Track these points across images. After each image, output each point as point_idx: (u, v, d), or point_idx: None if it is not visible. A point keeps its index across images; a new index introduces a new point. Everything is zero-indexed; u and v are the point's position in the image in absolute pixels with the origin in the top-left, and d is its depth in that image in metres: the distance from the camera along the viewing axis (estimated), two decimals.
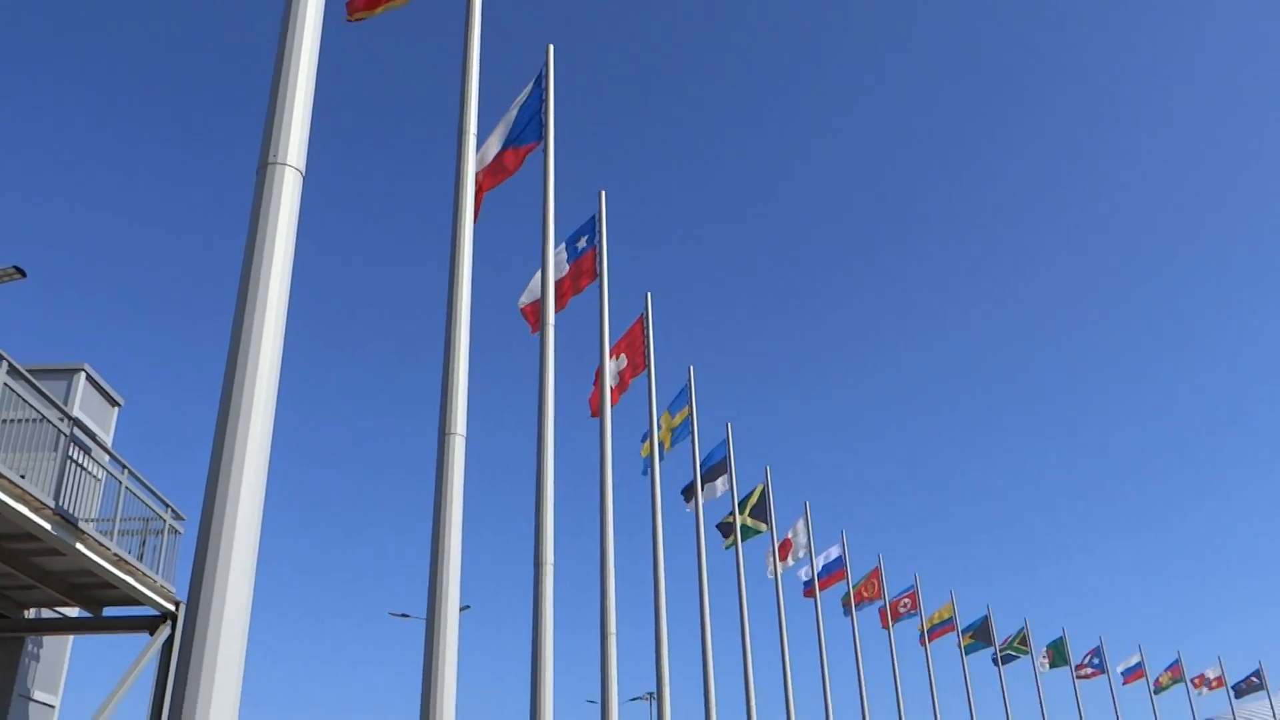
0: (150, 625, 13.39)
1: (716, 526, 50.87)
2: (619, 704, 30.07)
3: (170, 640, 12.84)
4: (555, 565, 25.58)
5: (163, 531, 13.97)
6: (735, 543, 49.96)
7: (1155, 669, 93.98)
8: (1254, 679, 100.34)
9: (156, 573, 13.40)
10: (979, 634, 77.91)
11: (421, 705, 18.14)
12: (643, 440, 41.92)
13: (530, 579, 25.37)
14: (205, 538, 10.93)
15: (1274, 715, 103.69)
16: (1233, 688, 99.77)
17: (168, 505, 14.18)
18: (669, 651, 36.55)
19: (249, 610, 11.02)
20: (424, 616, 19.06)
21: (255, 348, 11.71)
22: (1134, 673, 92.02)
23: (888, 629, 69.22)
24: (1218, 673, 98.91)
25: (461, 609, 20.16)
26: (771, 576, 53.13)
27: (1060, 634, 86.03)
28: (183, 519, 14.36)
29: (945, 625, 75.71)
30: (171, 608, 13.24)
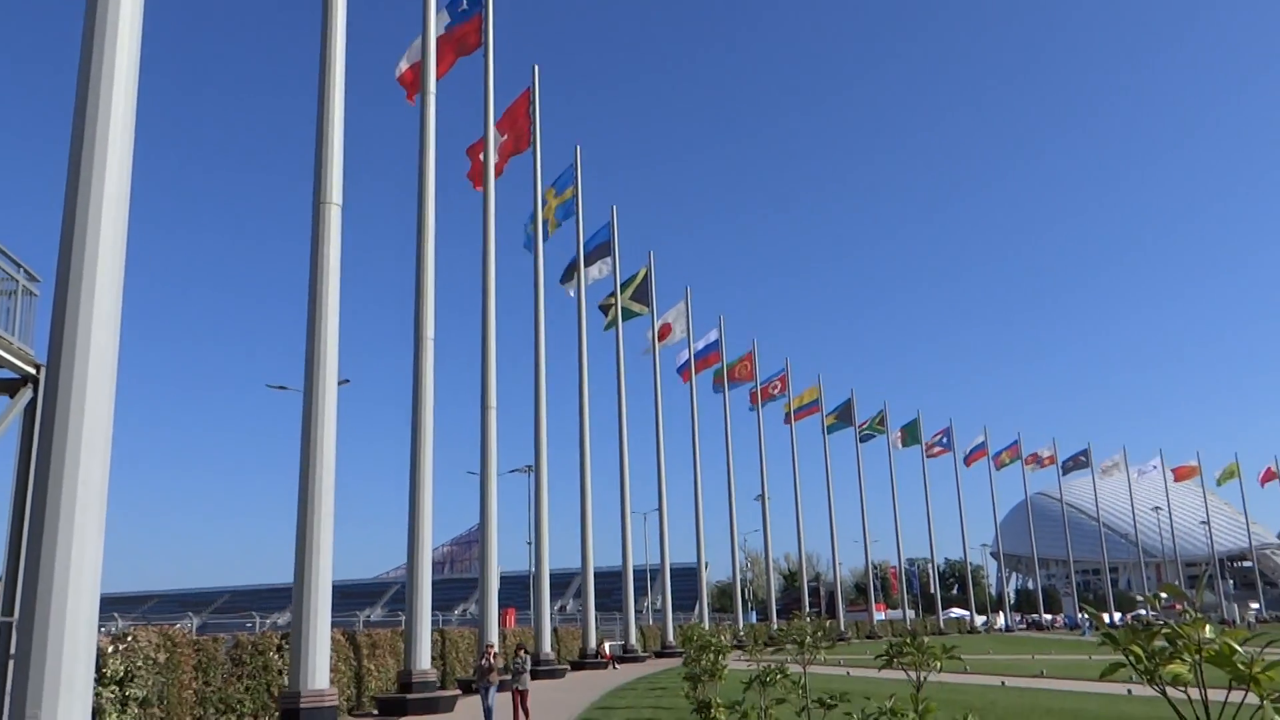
0: (10, 388, 12.94)
1: (599, 307, 51.51)
2: (498, 476, 31.10)
3: (33, 403, 12.47)
4: (436, 340, 25.62)
5: (15, 293, 13.27)
6: (615, 323, 50.85)
7: (996, 448, 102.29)
8: (1080, 458, 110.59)
9: (12, 335, 12.83)
10: (842, 415, 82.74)
11: (300, 477, 18.39)
12: (529, 220, 41.40)
13: (411, 353, 25.45)
14: (64, 297, 10.45)
15: (1094, 489, 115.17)
16: (1061, 465, 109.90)
17: (20, 266, 13.40)
18: (548, 426, 37.72)
19: (114, 370, 10.73)
20: (301, 389, 18.96)
21: (108, 93, 10.80)
22: (977, 451, 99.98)
23: (757, 408, 72.78)
24: (1050, 452, 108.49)
25: (341, 383, 20.17)
26: (649, 355, 54.57)
27: (915, 416, 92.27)
28: (38, 280, 13.63)
29: (811, 406, 79.90)
30: (32, 370, 12.77)
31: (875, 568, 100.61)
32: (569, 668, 36.64)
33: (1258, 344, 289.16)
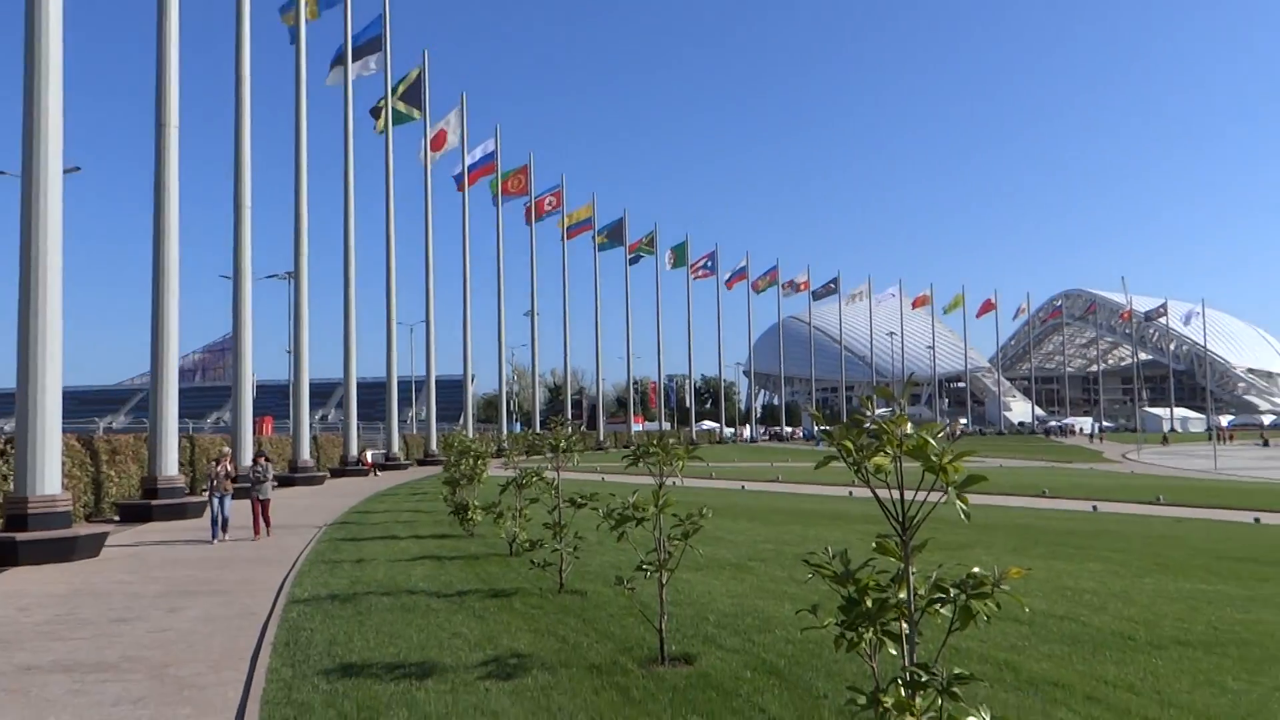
0: None
1: (370, 112, 48.38)
2: (255, 280, 29.44)
3: None
4: (181, 127, 23.35)
5: None
6: (386, 127, 48.16)
7: (756, 273, 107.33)
8: (830, 285, 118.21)
9: None
10: (613, 234, 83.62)
11: (21, 273, 16.59)
12: (288, 5, 37.76)
13: (153, 142, 23.08)
14: None
15: (839, 314, 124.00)
16: (813, 292, 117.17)
17: None
18: (310, 231, 35.85)
19: None
20: (19, 174, 16.85)
21: None
22: (738, 275, 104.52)
23: (531, 223, 72.20)
24: (805, 279, 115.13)
25: (68, 170, 18.04)
26: (421, 162, 52.44)
27: (684, 239, 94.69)
28: None
29: (584, 224, 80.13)
30: None
31: (636, 383, 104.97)
32: (328, 475, 36.45)
33: (987, 184, 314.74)
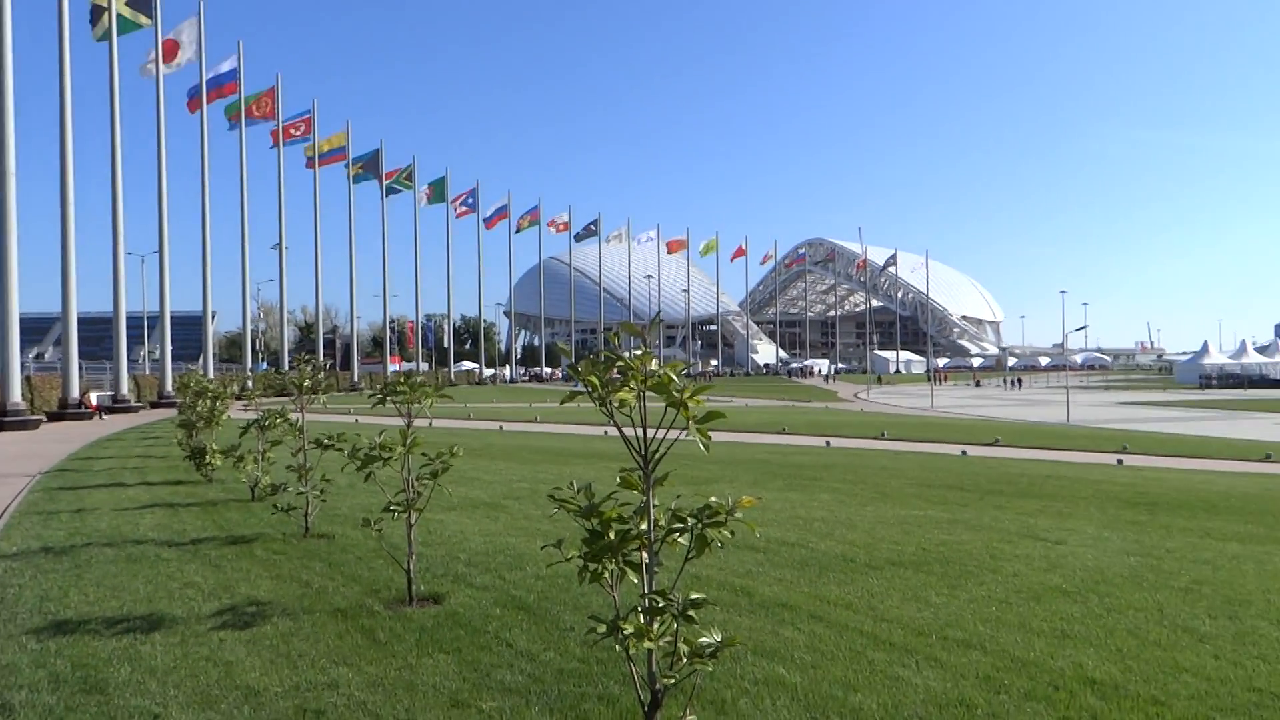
0: None
1: (91, 17, 43.25)
2: None
3: None
4: None
5: None
6: (108, 34, 43.34)
7: (518, 212, 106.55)
8: (591, 227, 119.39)
9: None
10: (369, 165, 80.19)
11: None
12: None
13: None
14: None
15: (599, 254, 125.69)
16: (574, 233, 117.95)
17: None
18: (17, 148, 31.89)
19: None
20: None
21: None
22: (500, 214, 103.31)
23: (279, 149, 67.92)
24: (566, 219, 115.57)
25: None
26: (151, 76, 47.89)
27: (443, 173, 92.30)
28: None
29: (337, 153, 76.35)
30: None
31: (393, 322, 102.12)
32: (45, 419, 33.13)
33: (741, 131, 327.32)
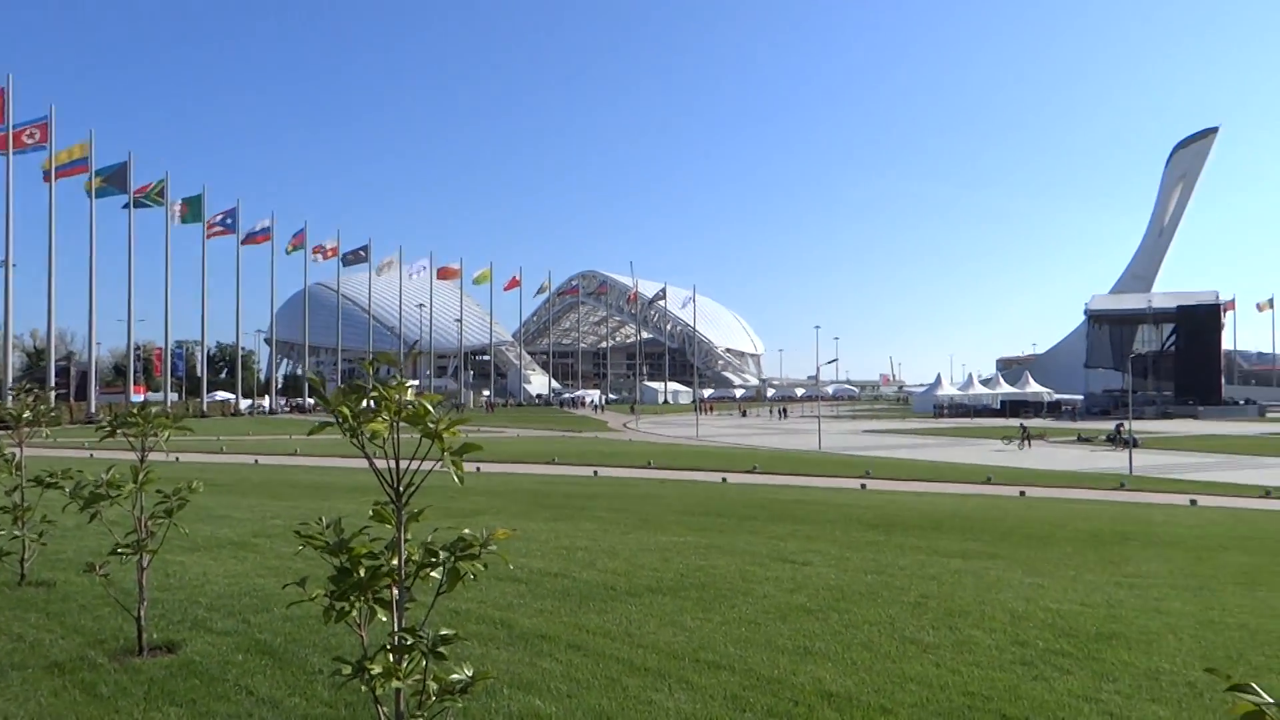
0: None
1: None
2: None
3: None
4: None
5: None
6: None
7: (283, 234, 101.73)
8: (361, 252, 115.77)
9: None
10: (113, 179, 74.22)
11: None
12: None
13: None
14: None
15: (369, 281, 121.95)
16: (342, 258, 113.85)
17: None
18: None
19: None
20: None
21: None
22: (261, 235, 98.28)
23: (7, 157, 61.68)
24: (335, 244, 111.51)
25: None
26: None
27: (200, 190, 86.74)
28: None
29: (78, 165, 70.35)
30: None
31: (139, 349, 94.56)
32: None
33: (519, 164, 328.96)
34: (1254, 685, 1.53)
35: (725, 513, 15.55)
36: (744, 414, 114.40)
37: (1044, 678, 5.82)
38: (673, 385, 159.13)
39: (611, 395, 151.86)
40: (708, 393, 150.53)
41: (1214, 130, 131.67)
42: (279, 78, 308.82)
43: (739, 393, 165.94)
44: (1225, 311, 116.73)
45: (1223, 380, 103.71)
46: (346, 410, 3.93)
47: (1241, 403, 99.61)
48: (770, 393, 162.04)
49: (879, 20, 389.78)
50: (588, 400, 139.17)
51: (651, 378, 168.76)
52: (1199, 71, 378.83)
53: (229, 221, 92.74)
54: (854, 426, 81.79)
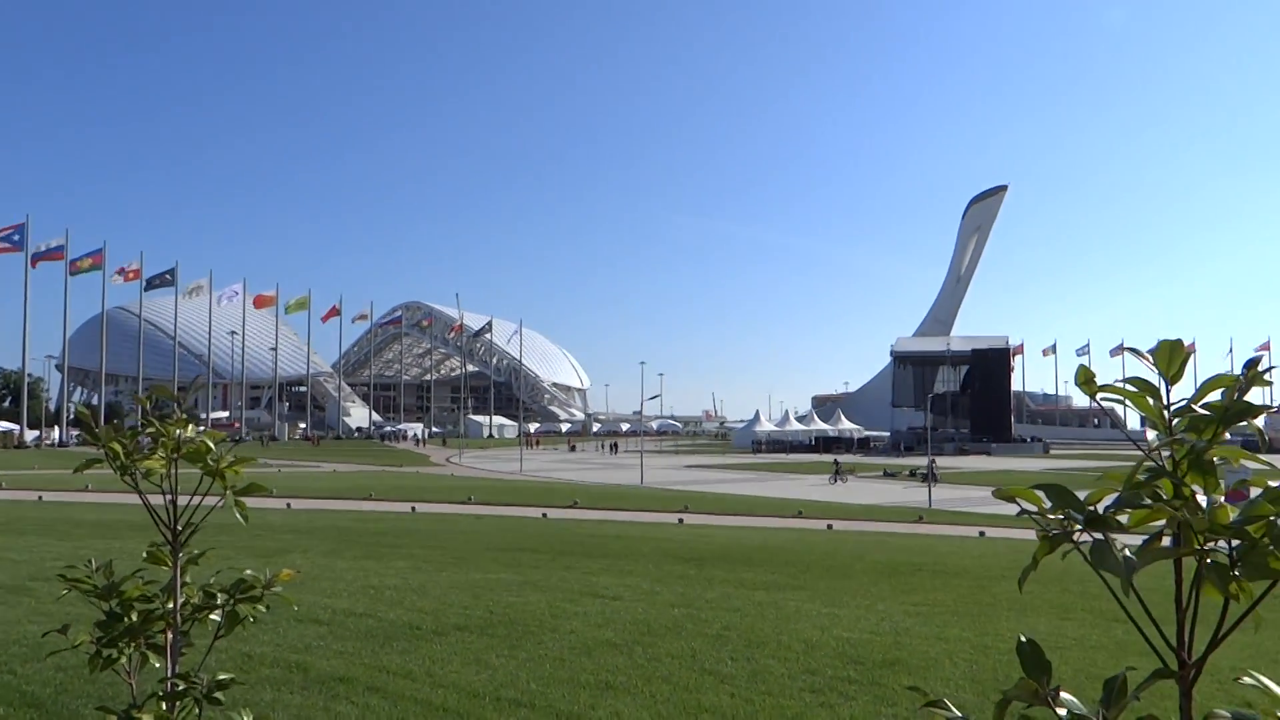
0: None
1: None
2: None
3: None
4: None
5: None
6: None
7: (77, 253, 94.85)
8: (167, 276, 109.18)
9: None
10: None
11: None
12: None
13: None
14: None
15: (175, 306, 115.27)
16: (146, 280, 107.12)
17: None
18: None
19: None
20: None
21: None
22: (53, 254, 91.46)
23: None
24: (137, 266, 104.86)
25: None
26: None
27: None
28: None
29: None
30: None
31: None
32: None
33: (340, 188, 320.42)
34: (946, 701, 1.69)
35: (542, 549, 15.53)
36: (573, 448, 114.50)
37: (829, 704, 6.12)
38: (498, 419, 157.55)
39: (435, 429, 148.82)
40: (534, 427, 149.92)
41: (1003, 188, 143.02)
42: (80, 82, 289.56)
43: (565, 427, 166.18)
44: (1015, 355, 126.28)
45: (1013, 419, 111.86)
46: (118, 447, 3.76)
47: (1029, 440, 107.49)
48: (596, 427, 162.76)
49: (696, 67, 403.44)
50: (410, 434, 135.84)
51: (477, 411, 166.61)
52: (992, 135, 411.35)
53: (15, 238, 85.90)
54: (677, 461, 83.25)
